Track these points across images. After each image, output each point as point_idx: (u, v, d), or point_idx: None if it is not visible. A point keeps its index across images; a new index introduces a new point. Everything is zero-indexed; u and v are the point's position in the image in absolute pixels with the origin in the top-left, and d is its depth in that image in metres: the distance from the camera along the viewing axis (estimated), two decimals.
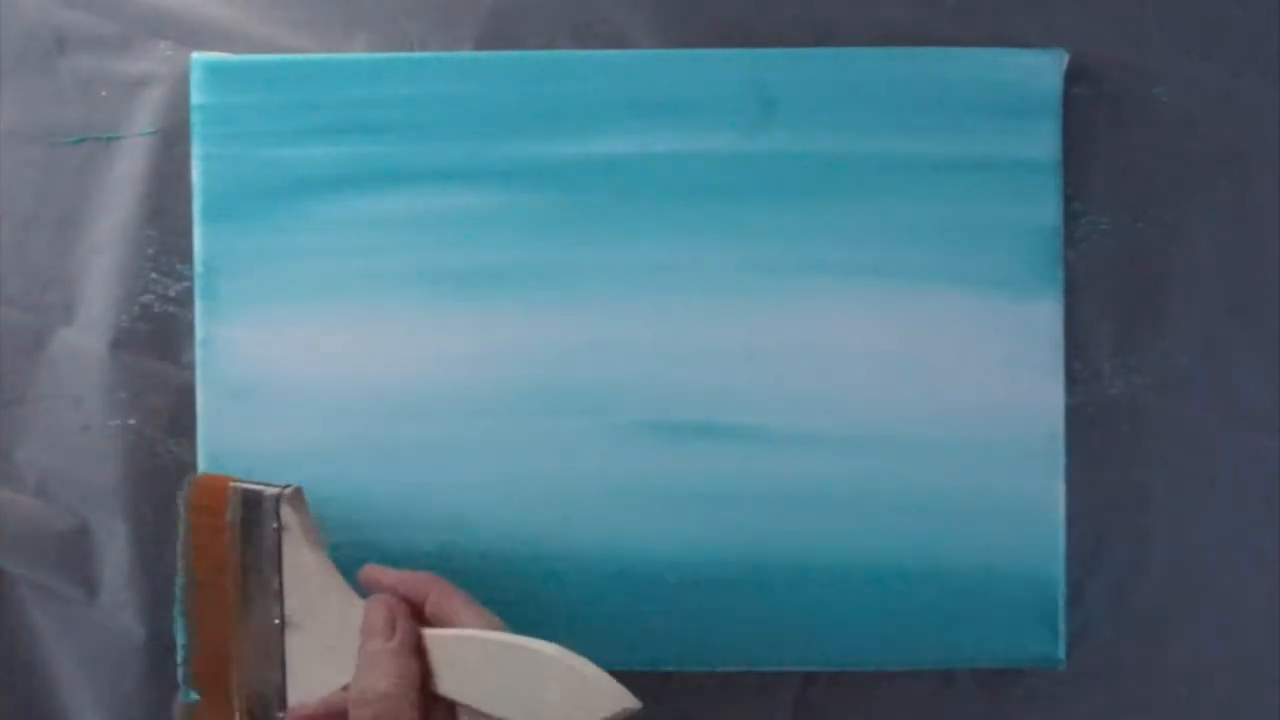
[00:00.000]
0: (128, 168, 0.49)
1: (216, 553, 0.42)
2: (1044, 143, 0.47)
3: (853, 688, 0.48)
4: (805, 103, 0.47)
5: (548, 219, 0.47)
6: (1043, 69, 0.47)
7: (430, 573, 0.40)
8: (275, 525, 0.40)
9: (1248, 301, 0.49)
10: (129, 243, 0.49)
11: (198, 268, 0.47)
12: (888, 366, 0.47)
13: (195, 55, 0.48)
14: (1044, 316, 0.47)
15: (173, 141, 0.49)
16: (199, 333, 0.47)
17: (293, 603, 0.40)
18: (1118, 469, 0.49)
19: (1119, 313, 0.49)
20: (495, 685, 0.37)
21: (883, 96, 0.47)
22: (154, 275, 0.49)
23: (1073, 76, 0.48)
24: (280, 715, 0.40)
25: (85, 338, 0.49)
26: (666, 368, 0.47)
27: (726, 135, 0.47)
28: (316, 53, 0.49)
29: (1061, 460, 0.47)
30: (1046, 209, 0.47)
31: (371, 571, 0.41)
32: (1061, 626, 0.47)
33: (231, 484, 0.41)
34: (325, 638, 0.39)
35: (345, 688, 0.39)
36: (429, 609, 0.39)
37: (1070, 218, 0.48)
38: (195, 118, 0.47)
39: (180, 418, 0.48)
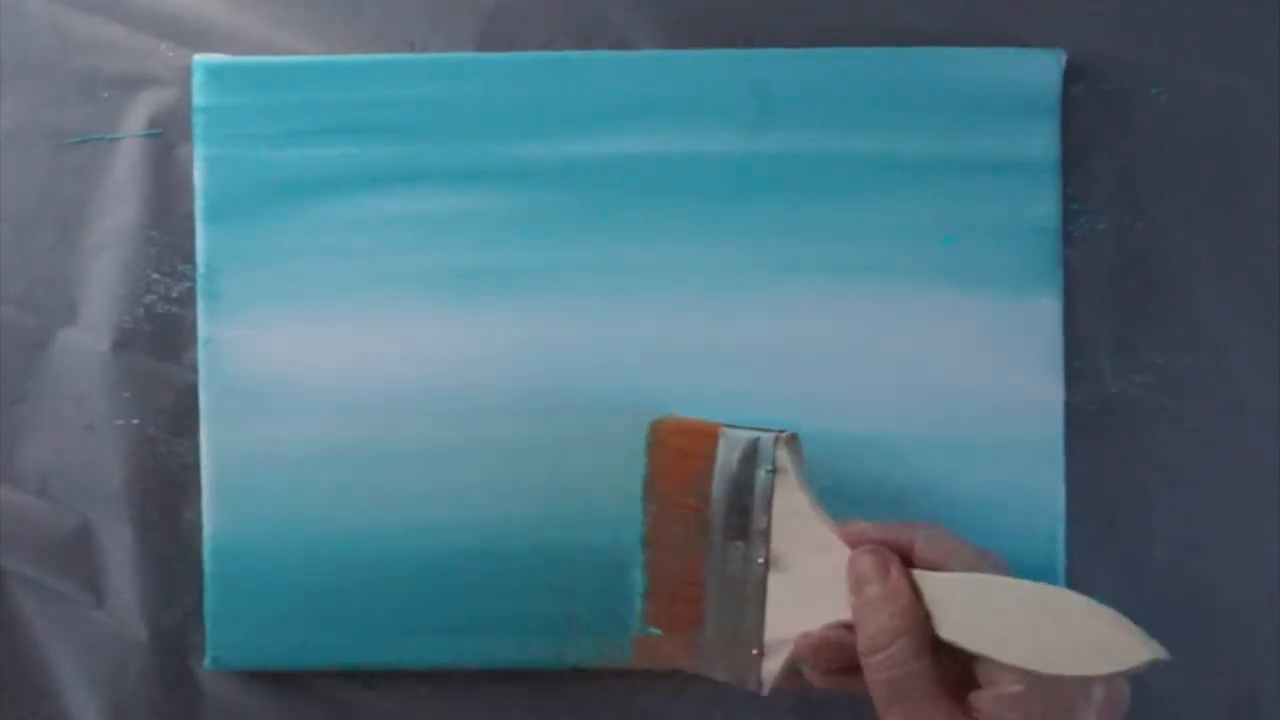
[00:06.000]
0: (130, 168, 0.49)
1: (688, 493, 0.42)
2: (1043, 142, 0.47)
3: None
4: (805, 103, 0.47)
5: (548, 219, 0.47)
6: (1042, 68, 0.47)
7: (918, 521, 0.38)
8: (769, 468, 0.40)
9: (1248, 301, 0.49)
10: (131, 243, 0.49)
11: (200, 268, 0.47)
12: (888, 366, 0.47)
13: (197, 57, 0.48)
14: (1043, 315, 0.47)
15: (174, 142, 0.49)
16: (201, 333, 0.47)
17: (779, 544, 0.40)
18: (1118, 469, 0.49)
19: (1119, 312, 0.49)
20: (1001, 629, 0.34)
21: (883, 96, 0.47)
22: (156, 275, 0.49)
23: (1072, 76, 0.48)
24: (754, 653, 0.40)
25: (88, 338, 0.49)
26: (667, 368, 0.47)
27: (726, 135, 0.47)
28: (317, 54, 0.49)
29: (1061, 460, 0.47)
30: (1045, 208, 0.47)
31: (854, 526, 0.39)
32: None
33: (724, 428, 0.42)
34: (810, 580, 0.39)
35: (839, 626, 0.37)
36: (918, 553, 0.37)
37: (1069, 217, 0.48)
38: (197, 119, 0.47)
39: (183, 418, 0.49)
